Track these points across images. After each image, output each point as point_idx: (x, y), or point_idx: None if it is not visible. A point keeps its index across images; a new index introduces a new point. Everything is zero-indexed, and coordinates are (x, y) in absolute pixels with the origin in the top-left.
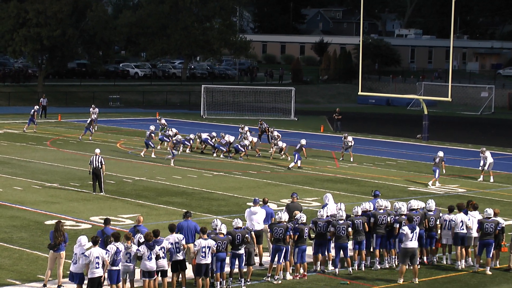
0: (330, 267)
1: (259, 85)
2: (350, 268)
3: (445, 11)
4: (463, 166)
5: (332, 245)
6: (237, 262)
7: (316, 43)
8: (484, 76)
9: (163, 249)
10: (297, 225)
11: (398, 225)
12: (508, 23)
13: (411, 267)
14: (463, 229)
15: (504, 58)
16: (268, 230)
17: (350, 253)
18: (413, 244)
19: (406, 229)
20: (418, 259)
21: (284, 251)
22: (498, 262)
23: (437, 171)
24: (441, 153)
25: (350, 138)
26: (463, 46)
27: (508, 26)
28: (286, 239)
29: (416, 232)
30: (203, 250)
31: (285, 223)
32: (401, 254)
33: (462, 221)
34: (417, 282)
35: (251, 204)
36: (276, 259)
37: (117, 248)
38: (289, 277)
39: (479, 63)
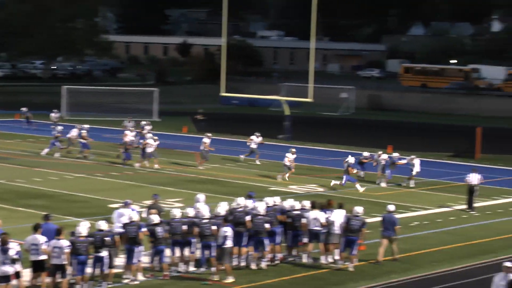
0: (191, 268)
1: (101, 85)
2: (213, 268)
3: (308, 13)
4: (324, 166)
5: (199, 245)
6: (99, 265)
7: (180, 44)
8: (345, 77)
9: (19, 253)
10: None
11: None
12: (368, 26)
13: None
14: (316, 226)
15: (364, 60)
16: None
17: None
18: (231, 243)
19: (228, 230)
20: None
21: (136, 251)
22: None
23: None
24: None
25: (384, 156)
26: (324, 47)
27: (368, 28)
28: (138, 238)
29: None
30: (55, 250)
31: (137, 223)
32: (223, 254)
33: (315, 218)
34: (231, 281)
35: (118, 205)
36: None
37: None
38: (140, 277)
39: (340, 65)
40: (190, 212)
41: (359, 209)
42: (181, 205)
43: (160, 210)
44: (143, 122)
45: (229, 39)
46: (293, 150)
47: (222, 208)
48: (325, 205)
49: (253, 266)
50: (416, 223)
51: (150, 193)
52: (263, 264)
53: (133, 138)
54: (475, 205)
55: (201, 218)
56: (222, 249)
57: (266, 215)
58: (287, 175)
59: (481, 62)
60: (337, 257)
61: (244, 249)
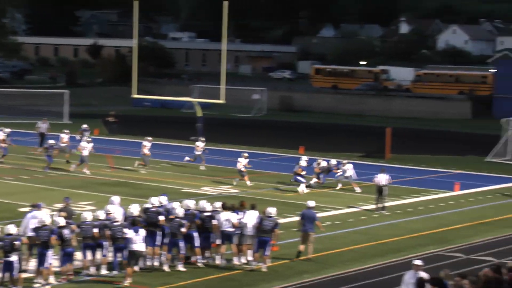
0: (103, 271)
1: (9, 87)
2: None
3: (220, 15)
4: (233, 167)
5: (111, 248)
6: (8, 269)
7: (91, 46)
8: (256, 79)
9: None
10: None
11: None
12: (279, 27)
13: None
14: (228, 227)
15: (275, 61)
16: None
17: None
18: (138, 246)
19: (130, 233)
20: (143, 261)
21: (47, 254)
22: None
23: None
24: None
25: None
26: (236, 49)
27: (279, 30)
28: (50, 242)
29: (140, 234)
30: None
31: (50, 226)
32: (128, 257)
33: (227, 219)
34: (127, 284)
35: (28, 209)
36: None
37: None
38: (52, 281)
39: (252, 66)
40: (101, 215)
41: (272, 210)
42: (93, 208)
43: (71, 213)
44: (84, 126)
45: (141, 40)
46: (246, 154)
47: (134, 209)
48: (238, 207)
49: (166, 268)
50: (328, 223)
51: (62, 196)
52: (179, 266)
53: (53, 142)
54: (386, 204)
55: (112, 221)
56: (128, 251)
57: (183, 218)
58: (246, 180)
59: (390, 63)
60: (250, 258)
61: (157, 249)
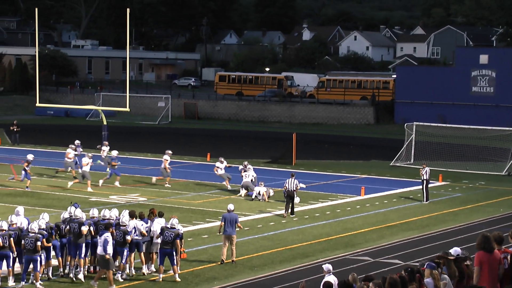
0: (11, 283)
1: None
2: (38, 283)
3: (120, 23)
4: (143, 175)
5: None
6: None
7: None
8: (161, 86)
9: None
10: None
11: None
12: (181, 34)
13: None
14: (137, 235)
15: (178, 69)
16: None
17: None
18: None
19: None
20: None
21: None
22: (179, 268)
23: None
24: None
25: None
26: (139, 57)
27: (181, 37)
28: None
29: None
30: None
31: None
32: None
33: (135, 227)
34: None
35: None
36: None
37: None
38: None
39: (155, 74)
40: (4, 225)
41: (174, 221)
42: None
43: None
44: (77, 141)
45: (42, 48)
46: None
47: (45, 220)
48: (145, 214)
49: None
50: (237, 229)
51: None
52: (123, 276)
53: None
54: (295, 209)
55: (29, 232)
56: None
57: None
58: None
59: (293, 70)
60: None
61: (81, 261)
